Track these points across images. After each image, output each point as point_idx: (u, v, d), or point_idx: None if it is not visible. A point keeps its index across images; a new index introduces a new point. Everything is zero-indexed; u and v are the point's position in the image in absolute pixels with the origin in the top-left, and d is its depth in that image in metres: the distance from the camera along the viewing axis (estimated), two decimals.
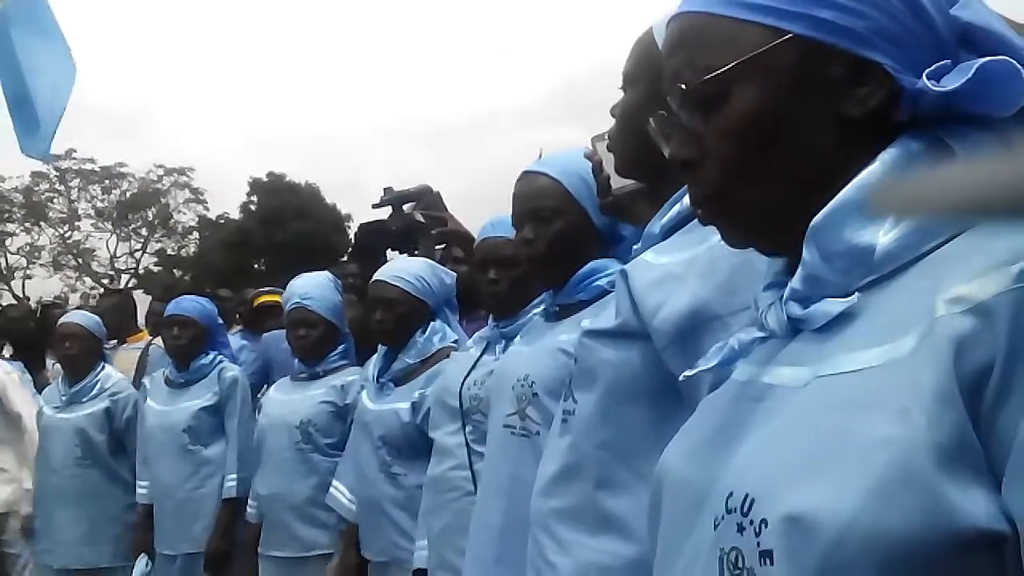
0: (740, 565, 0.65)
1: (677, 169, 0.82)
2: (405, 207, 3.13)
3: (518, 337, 2.08)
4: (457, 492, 2.25)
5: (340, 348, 3.20)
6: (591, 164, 1.58)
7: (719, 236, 1.11)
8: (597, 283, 1.74)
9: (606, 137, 1.48)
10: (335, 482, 2.91)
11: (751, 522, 0.64)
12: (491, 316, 2.35)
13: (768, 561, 0.62)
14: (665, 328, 1.15)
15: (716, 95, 0.76)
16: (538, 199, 1.80)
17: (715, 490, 0.70)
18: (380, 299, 2.74)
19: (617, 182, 1.46)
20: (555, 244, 1.78)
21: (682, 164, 0.80)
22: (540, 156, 2.03)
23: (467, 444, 2.24)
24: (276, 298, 4.94)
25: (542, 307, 2.20)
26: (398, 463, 2.63)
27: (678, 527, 0.76)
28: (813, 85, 0.73)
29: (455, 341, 2.71)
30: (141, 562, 3.58)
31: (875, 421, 0.61)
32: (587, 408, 1.27)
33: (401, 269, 2.81)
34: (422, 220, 3.04)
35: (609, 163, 1.48)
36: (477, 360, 2.29)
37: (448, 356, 2.60)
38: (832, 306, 0.71)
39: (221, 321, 3.81)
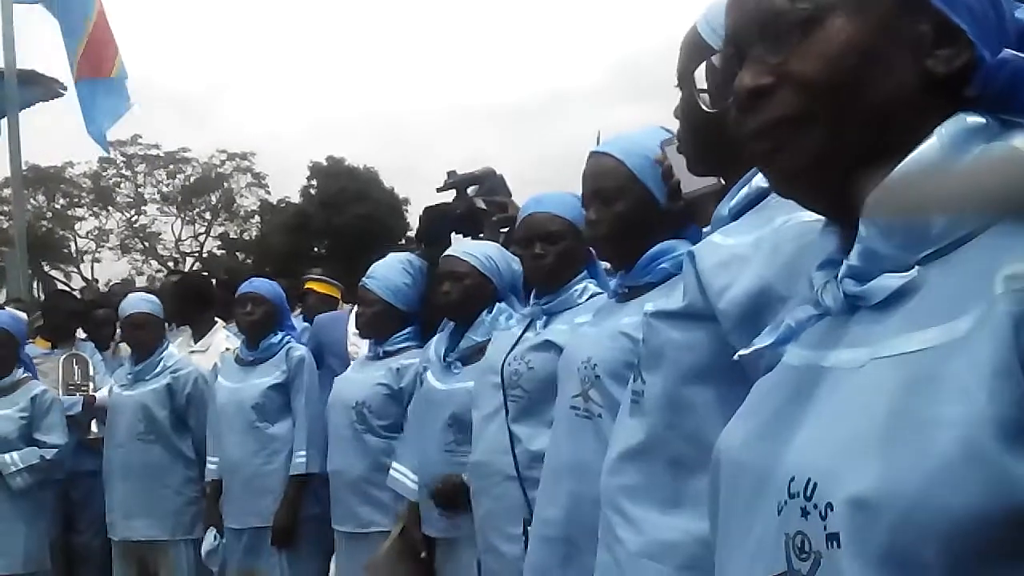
0: (807, 549, 0.66)
1: (742, 110, 0.79)
2: (469, 190, 3.16)
3: (579, 313, 2.10)
4: (498, 477, 2.28)
5: (407, 330, 3.21)
6: (661, 165, 1.59)
7: (784, 219, 1.13)
8: (663, 265, 1.74)
9: (675, 141, 1.50)
10: (396, 464, 2.95)
11: (815, 506, 0.65)
12: (533, 292, 2.39)
13: (835, 544, 0.63)
14: (731, 310, 1.15)
15: (811, 18, 0.76)
16: (602, 180, 1.81)
17: (776, 475, 0.71)
18: (449, 272, 2.80)
19: (688, 186, 1.48)
20: (617, 225, 1.79)
21: (752, 93, 0.79)
22: (599, 137, 2.04)
23: (508, 426, 2.27)
24: (329, 289, 5.07)
25: (584, 284, 2.23)
26: (466, 442, 2.65)
27: (740, 512, 0.77)
28: (904, 35, 0.74)
29: None
30: (210, 535, 3.68)
31: (935, 401, 0.61)
32: (656, 388, 1.28)
33: (472, 246, 2.89)
34: (483, 207, 3.07)
35: (679, 167, 1.49)
36: (520, 337, 2.32)
37: None
38: (890, 280, 0.71)
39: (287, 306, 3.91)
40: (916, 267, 0.70)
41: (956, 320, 0.64)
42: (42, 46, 7.03)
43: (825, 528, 0.64)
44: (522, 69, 56.79)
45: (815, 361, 0.76)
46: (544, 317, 2.28)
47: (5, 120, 6.68)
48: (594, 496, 1.67)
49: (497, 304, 2.75)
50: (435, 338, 2.95)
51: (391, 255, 3.34)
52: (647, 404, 1.30)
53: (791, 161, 0.78)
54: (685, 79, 1.32)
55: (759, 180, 1.20)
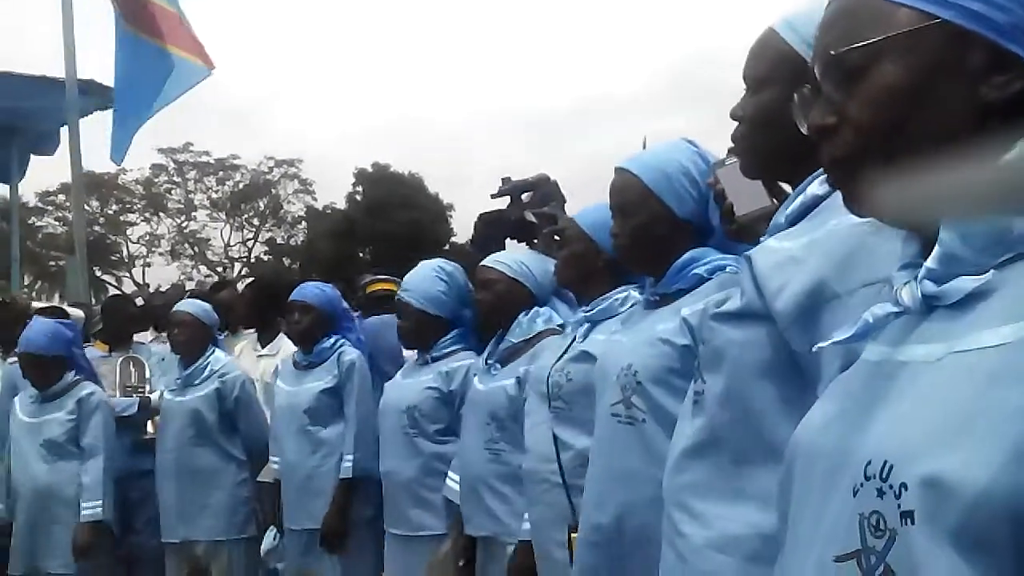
0: (882, 527, 0.70)
1: (812, 141, 0.86)
2: (523, 196, 3.19)
3: (616, 323, 2.13)
4: (546, 485, 2.32)
5: (452, 334, 3.22)
6: (713, 190, 1.62)
7: (837, 221, 1.16)
8: (695, 271, 1.81)
9: (726, 163, 1.52)
10: (451, 473, 2.99)
11: (890, 486, 0.69)
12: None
13: (909, 521, 0.67)
14: (787, 308, 1.19)
15: (861, 66, 0.82)
16: (620, 195, 1.91)
17: (852, 460, 0.75)
18: (481, 281, 2.89)
19: (741, 208, 1.51)
20: (635, 237, 1.88)
21: (818, 130, 0.86)
22: (644, 145, 2.10)
23: (554, 436, 2.30)
24: (390, 286, 5.08)
25: (626, 293, 2.26)
26: (503, 439, 2.71)
27: (814, 497, 0.81)
28: (954, 68, 0.78)
29: (560, 325, 2.76)
30: (270, 535, 3.76)
31: (1010, 393, 0.65)
32: (717, 387, 1.33)
33: (503, 255, 2.96)
34: (533, 220, 3.11)
35: (732, 191, 1.52)
36: (569, 345, 2.36)
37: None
38: (966, 283, 0.75)
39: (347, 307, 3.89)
40: (991, 271, 0.74)
41: None
42: (99, 55, 7.20)
43: (900, 506, 0.68)
44: (563, 76, 56.84)
45: (891, 356, 0.81)
46: (586, 324, 2.33)
47: (65, 128, 6.84)
48: (643, 502, 1.70)
49: (536, 308, 2.79)
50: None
51: (422, 264, 3.37)
52: (709, 403, 1.34)
53: (858, 193, 0.84)
54: (763, 81, 1.35)
55: (814, 188, 1.25)
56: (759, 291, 1.25)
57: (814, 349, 0.96)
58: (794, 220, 1.28)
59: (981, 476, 0.64)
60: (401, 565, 3.20)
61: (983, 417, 0.66)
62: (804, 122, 0.89)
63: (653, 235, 1.86)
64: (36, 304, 6.46)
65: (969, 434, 0.66)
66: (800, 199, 1.28)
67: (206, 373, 3.99)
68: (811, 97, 0.88)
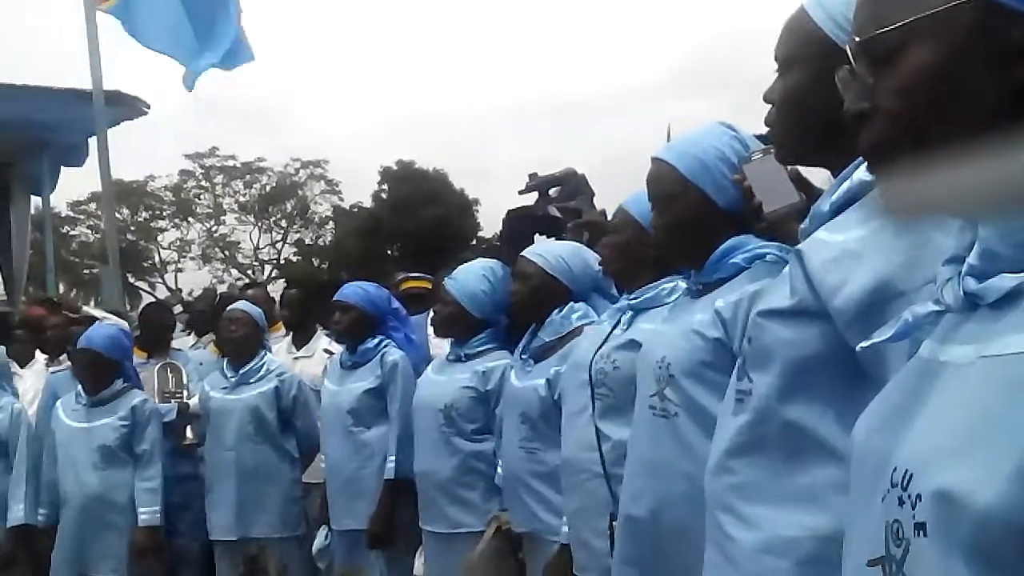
0: (900, 536, 0.68)
1: (844, 123, 0.83)
2: (551, 191, 3.20)
3: (664, 312, 2.12)
4: (587, 474, 2.31)
5: (485, 333, 3.22)
6: (741, 186, 1.60)
7: None
8: (734, 260, 1.77)
9: (752, 159, 1.51)
10: (500, 465, 3.01)
11: (908, 496, 0.67)
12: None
13: (922, 532, 0.65)
14: (848, 306, 1.15)
15: (892, 49, 0.78)
16: (657, 186, 1.87)
17: (887, 465, 0.73)
18: (519, 273, 2.88)
19: (769, 205, 1.49)
20: (674, 227, 1.85)
21: (856, 116, 0.82)
22: (668, 132, 2.09)
23: (595, 425, 2.29)
24: (423, 284, 5.11)
25: (675, 282, 2.24)
26: (536, 439, 2.71)
27: (862, 499, 0.79)
28: (990, 48, 0.73)
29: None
30: (321, 534, 3.80)
31: None
32: (766, 386, 1.29)
33: (544, 247, 2.95)
34: (558, 215, 3.11)
35: (760, 187, 1.50)
36: (609, 333, 2.33)
37: None
38: (1005, 281, 0.71)
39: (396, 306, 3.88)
40: None
41: None
42: (125, 66, 7.29)
43: (914, 517, 0.66)
44: (585, 65, 56.58)
45: (936, 355, 0.78)
46: (629, 313, 2.30)
47: (94, 139, 6.93)
48: (677, 496, 1.68)
49: (571, 304, 2.77)
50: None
51: (478, 260, 3.38)
52: (756, 402, 1.31)
53: (891, 184, 0.82)
54: (792, 61, 1.32)
55: (860, 174, 1.20)
56: (812, 288, 1.20)
57: (858, 349, 0.93)
58: (839, 208, 1.24)
59: (987, 492, 0.61)
60: (439, 563, 3.22)
61: (997, 428, 0.63)
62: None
63: (692, 225, 1.82)
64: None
65: (983, 446, 0.63)
66: (845, 186, 1.23)
67: (262, 372, 4.04)
68: (850, 79, 0.84)
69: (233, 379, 4.06)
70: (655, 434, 1.79)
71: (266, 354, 4.13)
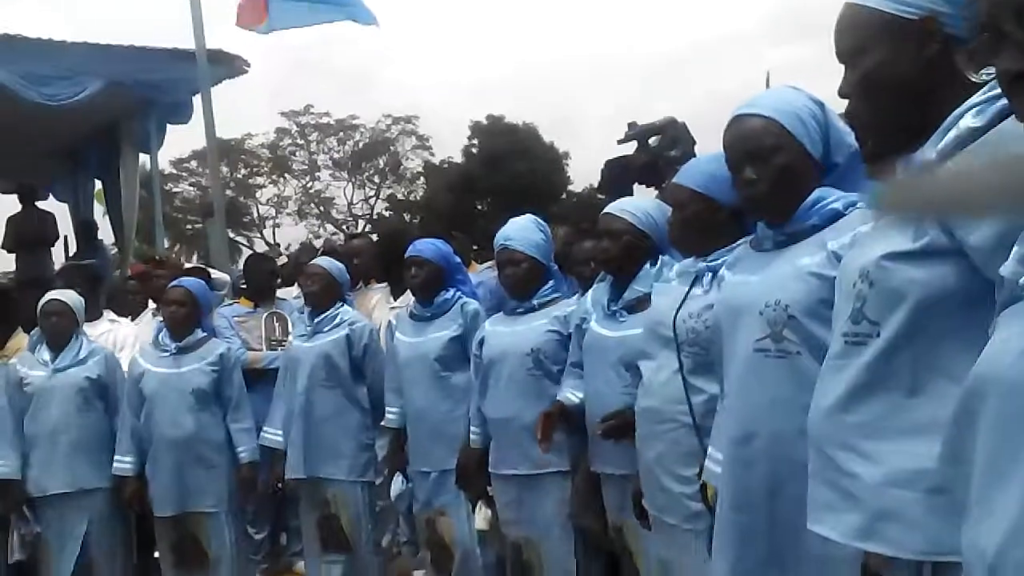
0: None
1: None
2: (650, 141, 3.19)
3: (736, 269, 2.12)
4: (674, 424, 2.38)
5: (551, 283, 3.37)
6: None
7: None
8: (831, 207, 1.84)
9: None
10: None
11: None
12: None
13: None
14: (986, 243, 1.21)
15: None
16: (754, 139, 1.90)
17: None
18: (607, 230, 2.92)
19: None
20: (778, 180, 1.88)
21: (1014, 76, 0.83)
22: (768, 80, 2.10)
23: (683, 377, 2.34)
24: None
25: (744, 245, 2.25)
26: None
27: (1014, 431, 0.78)
28: None
29: None
30: (397, 480, 3.94)
31: None
32: (894, 326, 1.35)
33: (629, 203, 2.98)
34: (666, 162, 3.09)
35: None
36: (687, 293, 2.38)
37: None
38: None
39: (459, 260, 4.02)
40: None
41: None
42: (226, 26, 7.45)
43: None
44: (678, 16, 55.29)
45: None
46: (709, 274, 2.34)
47: (197, 97, 7.16)
48: (794, 430, 1.67)
49: (661, 257, 2.80)
50: (592, 289, 3.10)
51: (517, 218, 3.45)
52: (882, 343, 1.36)
53: None
54: (857, 51, 1.37)
55: (967, 121, 1.23)
56: (946, 228, 1.26)
57: (1007, 274, 0.97)
58: (948, 154, 1.27)
59: None
60: (518, 507, 3.32)
61: None
62: (975, 71, 0.87)
63: (792, 176, 1.88)
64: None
65: None
66: (954, 133, 1.26)
67: (336, 321, 4.16)
68: (993, 42, 0.83)
69: (309, 328, 4.20)
70: (770, 375, 1.84)
71: (343, 304, 4.23)
